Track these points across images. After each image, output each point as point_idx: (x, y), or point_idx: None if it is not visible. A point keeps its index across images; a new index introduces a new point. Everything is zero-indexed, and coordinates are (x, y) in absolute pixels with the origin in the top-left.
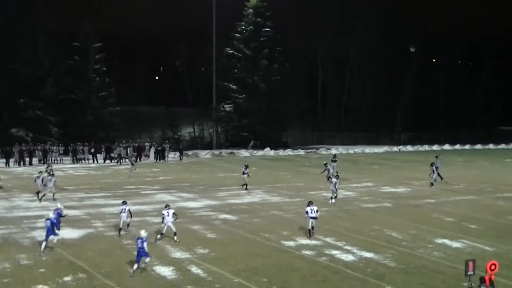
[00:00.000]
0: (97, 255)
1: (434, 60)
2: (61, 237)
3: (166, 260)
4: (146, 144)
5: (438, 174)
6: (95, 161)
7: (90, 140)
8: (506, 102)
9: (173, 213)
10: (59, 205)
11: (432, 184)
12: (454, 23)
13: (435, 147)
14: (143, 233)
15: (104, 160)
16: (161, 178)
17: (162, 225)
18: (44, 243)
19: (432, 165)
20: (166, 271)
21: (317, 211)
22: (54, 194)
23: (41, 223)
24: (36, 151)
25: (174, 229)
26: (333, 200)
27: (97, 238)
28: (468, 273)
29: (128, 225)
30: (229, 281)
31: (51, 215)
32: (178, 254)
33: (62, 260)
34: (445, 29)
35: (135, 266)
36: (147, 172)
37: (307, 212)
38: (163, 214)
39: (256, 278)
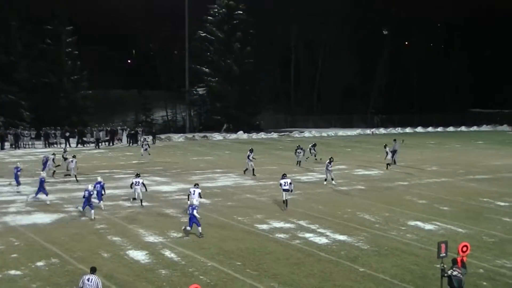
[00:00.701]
0: (70, 240)
1: (406, 43)
2: (33, 222)
3: (139, 244)
4: (119, 128)
5: (393, 158)
6: (68, 145)
7: (63, 124)
8: (476, 85)
9: (199, 193)
10: (99, 178)
11: (388, 165)
12: (425, 5)
13: (408, 130)
14: (195, 201)
15: (77, 144)
16: (134, 162)
17: (188, 202)
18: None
19: (385, 147)
20: (139, 255)
21: (290, 183)
22: (75, 176)
23: (13, 208)
24: (8, 136)
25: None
26: (334, 182)
27: (70, 223)
28: (441, 255)
29: (141, 200)
30: (203, 264)
31: (90, 187)
32: (151, 238)
33: (35, 245)
34: (417, 12)
35: (188, 228)
36: (120, 156)
37: (280, 185)
38: (190, 192)
39: (230, 262)
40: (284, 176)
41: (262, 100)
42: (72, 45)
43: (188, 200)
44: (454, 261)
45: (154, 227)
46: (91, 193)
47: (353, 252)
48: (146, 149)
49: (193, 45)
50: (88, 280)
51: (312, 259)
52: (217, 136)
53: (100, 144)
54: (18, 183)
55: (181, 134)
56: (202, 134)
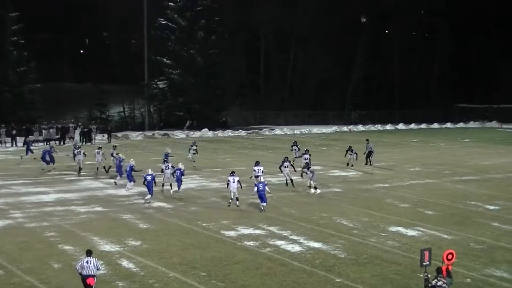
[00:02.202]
0: (16, 249)
1: (386, 31)
2: None
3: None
4: (70, 125)
5: (369, 159)
6: (14, 145)
7: (8, 121)
8: (463, 77)
9: (238, 181)
10: (180, 165)
11: (351, 165)
12: None
13: (389, 127)
14: (262, 178)
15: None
16: (87, 163)
17: (230, 192)
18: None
19: (351, 148)
20: None
21: (263, 171)
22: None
23: None
24: None
25: (237, 195)
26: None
27: (16, 230)
28: (424, 263)
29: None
30: (163, 275)
31: (150, 171)
32: (107, 246)
33: None
34: None
35: (265, 204)
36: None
37: (254, 170)
38: (228, 181)
39: (194, 272)
40: (257, 163)
41: (228, 94)
42: (17, 33)
43: (228, 187)
44: (439, 270)
45: (109, 234)
46: (154, 176)
47: (329, 260)
48: (194, 153)
49: (153, 33)
50: (87, 262)
51: (284, 268)
52: (180, 134)
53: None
54: None
55: (140, 132)
56: (162, 132)
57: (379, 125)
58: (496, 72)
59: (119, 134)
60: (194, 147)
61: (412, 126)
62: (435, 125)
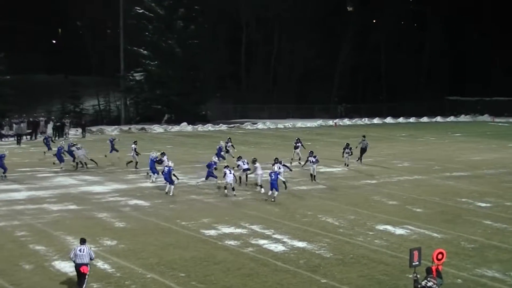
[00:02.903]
0: None
1: (374, 21)
2: None
3: (67, 254)
4: (41, 119)
5: (360, 157)
6: None
7: None
8: (454, 69)
9: (233, 173)
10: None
11: (346, 164)
12: None
13: (376, 121)
14: (276, 167)
15: None
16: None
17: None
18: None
19: (348, 146)
20: (67, 267)
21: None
22: (77, 164)
23: None
24: None
25: (233, 185)
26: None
27: None
28: (413, 263)
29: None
30: (140, 276)
31: (215, 158)
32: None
33: None
34: None
35: (276, 193)
36: (44, 151)
37: (239, 165)
38: (225, 173)
39: (173, 273)
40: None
41: (208, 87)
42: None
43: (225, 178)
44: (429, 271)
45: (84, 233)
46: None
47: (314, 261)
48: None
49: (129, 23)
50: (80, 250)
51: (267, 269)
52: (157, 129)
53: (21, 139)
54: None
55: (116, 126)
56: (139, 126)
57: (366, 119)
58: (488, 64)
59: (94, 129)
60: (230, 143)
61: (401, 120)
62: (425, 119)
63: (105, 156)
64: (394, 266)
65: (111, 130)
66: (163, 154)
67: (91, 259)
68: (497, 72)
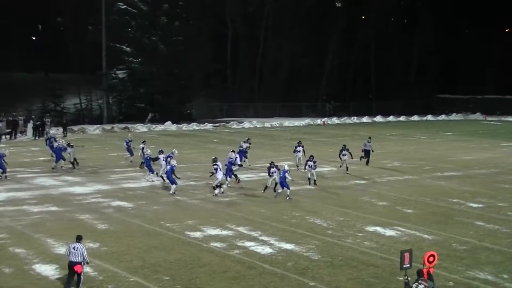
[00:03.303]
0: None
1: (363, 17)
2: None
3: (48, 257)
4: (20, 118)
5: (368, 159)
6: None
7: None
8: (445, 66)
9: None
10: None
11: (346, 167)
12: None
13: (366, 119)
14: (286, 167)
15: None
16: (41, 159)
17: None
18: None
19: (345, 148)
20: (48, 270)
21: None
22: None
23: None
24: None
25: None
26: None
27: None
28: (404, 265)
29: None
30: (124, 280)
31: (232, 154)
32: (62, 249)
33: None
34: None
35: (288, 191)
36: (24, 151)
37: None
38: (215, 168)
39: (157, 276)
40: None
41: (193, 85)
42: None
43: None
44: (420, 273)
45: (65, 236)
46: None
47: (302, 263)
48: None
49: (111, 19)
50: (73, 248)
51: (254, 272)
52: (141, 128)
53: (0, 138)
54: None
55: (98, 125)
56: (122, 125)
57: (355, 117)
58: (480, 62)
59: (75, 128)
60: (247, 144)
61: (391, 118)
62: (415, 118)
63: (125, 158)
64: (384, 269)
65: (93, 129)
66: (160, 152)
67: (83, 258)
68: (489, 70)
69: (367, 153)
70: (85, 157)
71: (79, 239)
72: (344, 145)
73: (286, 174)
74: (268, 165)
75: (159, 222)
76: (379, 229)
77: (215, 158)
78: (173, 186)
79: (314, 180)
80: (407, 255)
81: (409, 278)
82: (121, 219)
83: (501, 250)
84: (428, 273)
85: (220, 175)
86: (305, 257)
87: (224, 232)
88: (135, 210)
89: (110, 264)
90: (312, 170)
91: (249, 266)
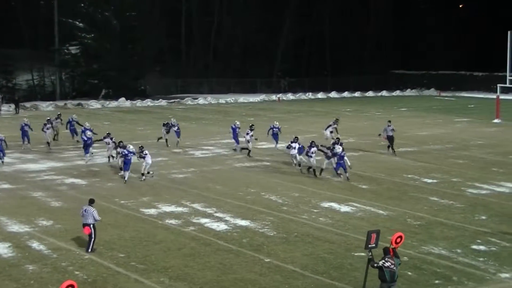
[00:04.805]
0: None
1: None
2: None
3: (0, 235)
4: None
5: (391, 144)
6: None
7: None
8: (400, 42)
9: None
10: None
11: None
12: None
13: (321, 95)
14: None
15: None
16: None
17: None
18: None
19: (336, 122)
20: (1, 248)
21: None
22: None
23: None
24: None
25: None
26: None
27: None
28: (370, 245)
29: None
30: (78, 258)
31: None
32: (15, 227)
33: None
34: None
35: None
36: None
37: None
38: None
39: (112, 254)
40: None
41: (147, 61)
42: None
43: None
44: (386, 251)
45: (18, 214)
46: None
47: (257, 239)
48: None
49: None
50: (85, 211)
51: (209, 249)
52: (95, 104)
53: None
54: None
55: (51, 102)
56: (76, 102)
57: (310, 93)
58: (433, 37)
59: (28, 105)
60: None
61: (346, 94)
62: (370, 93)
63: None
64: (339, 245)
65: (46, 106)
66: (108, 134)
67: (95, 219)
68: (443, 46)
69: (390, 139)
70: (37, 134)
71: (91, 202)
72: (336, 119)
73: (346, 157)
74: (307, 147)
75: (113, 199)
76: (334, 205)
77: (141, 146)
78: (127, 173)
79: (322, 170)
80: (373, 235)
81: (372, 254)
82: (75, 197)
83: (455, 225)
84: (394, 251)
85: (149, 160)
86: (261, 233)
87: (179, 209)
88: (88, 187)
89: (64, 242)
90: (311, 159)
91: (204, 243)
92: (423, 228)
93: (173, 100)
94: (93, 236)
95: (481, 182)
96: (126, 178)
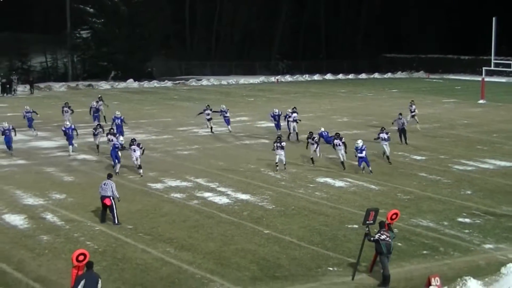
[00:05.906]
0: None
1: None
2: None
3: (16, 208)
4: None
5: (403, 136)
6: None
7: None
8: (391, 26)
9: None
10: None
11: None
12: None
13: (317, 77)
14: (360, 142)
15: None
16: (8, 114)
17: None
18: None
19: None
20: (17, 220)
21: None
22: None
23: None
24: None
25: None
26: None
27: None
28: (367, 222)
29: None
30: (89, 229)
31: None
32: (30, 200)
33: None
34: None
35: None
36: None
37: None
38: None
39: (120, 225)
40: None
41: (153, 44)
42: None
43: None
44: (382, 225)
45: (33, 188)
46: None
47: (257, 212)
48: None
49: None
50: (104, 184)
51: (212, 221)
52: (104, 85)
53: None
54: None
55: (63, 83)
56: (86, 83)
57: (306, 75)
58: (423, 22)
59: (42, 85)
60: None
61: (340, 76)
62: (363, 76)
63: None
64: (333, 217)
65: (59, 87)
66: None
67: (113, 192)
68: (432, 30)
69: (403, 132)
70: (51, 113)
71: (109, 176)
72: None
73: (364, 152)
74: (334, 139)
75: (121, 174)
76: (329, 180)
77: (133, 139)
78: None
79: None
80: (372, 213)
81: (369, 230)
82: (86, 172)
83: (442, 199)
84: (389, 225)
85: (138, 153)
86: (260, 206)
87: (184, 184)
88: (99, 163)
89: (76, 214)
90: (341, 149)
91: (207, 216)
92: (412, 202)
93: (178, 82)
94: (114, 207)
95: (466, 159)
96: (117, 171)
